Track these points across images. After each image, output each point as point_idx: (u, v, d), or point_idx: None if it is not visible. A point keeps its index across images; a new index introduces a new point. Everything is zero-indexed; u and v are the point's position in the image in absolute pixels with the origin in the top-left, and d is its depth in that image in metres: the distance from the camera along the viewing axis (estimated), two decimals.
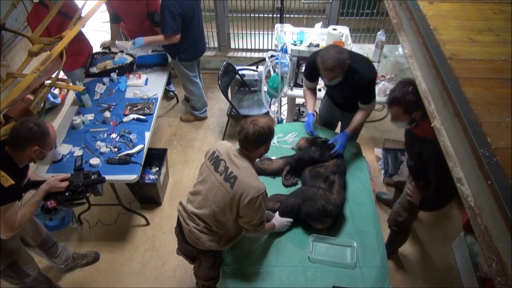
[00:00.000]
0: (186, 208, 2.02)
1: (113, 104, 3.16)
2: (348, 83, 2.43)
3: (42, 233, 2.45)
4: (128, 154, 2.72)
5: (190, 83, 3.68)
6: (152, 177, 3.21)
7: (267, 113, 3.70)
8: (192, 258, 2.21)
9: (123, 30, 3.89)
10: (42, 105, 2.69)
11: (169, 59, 3.57)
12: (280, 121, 3.62)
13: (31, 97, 2.45)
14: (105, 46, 3.77)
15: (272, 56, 3.20)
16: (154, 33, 3.60)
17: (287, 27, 3.56)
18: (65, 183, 2.12)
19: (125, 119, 3.01)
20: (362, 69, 2.39)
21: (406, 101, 1.92)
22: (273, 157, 2.62)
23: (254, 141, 1.84)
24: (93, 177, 2.21)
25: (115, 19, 3.64)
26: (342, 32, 3.35)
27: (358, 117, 2.59)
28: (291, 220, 2.22)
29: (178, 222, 2.11)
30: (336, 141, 2.55)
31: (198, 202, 1.97)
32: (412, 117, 1.96)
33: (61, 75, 3.38)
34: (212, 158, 1.96)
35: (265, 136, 1.87)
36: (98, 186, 2.23)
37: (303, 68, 3.00)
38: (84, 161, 2.67)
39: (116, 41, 3.85)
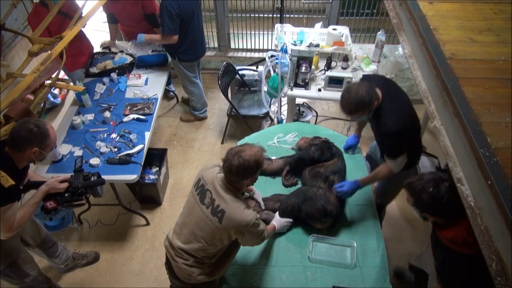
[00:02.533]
0: (172, 243, 1.92)
1: (113, 104, 3.16)
2: (376, 125, 2.11)
3: (42, 233, 2.45)
4: (128, 154, 2.72)
5: (190, 84, 3.68)
6: (152, 177, 3.21)
7: (267, 113, 3.71)
8: None
9: (120, 31, 3.89)
10: (42, 105, 2.68)
11: (169, 59, 3.57)
12: (280, 121, 3.62)
13: (31, 97, 2.45)
14: (105, 46, 3.77)
15: (272, 56, 3.20)
16: (153, 34, 3.60)
17: (287, 27, 3.56)
18: (65, 184, 2.12)
19: (125, 119, 3.01)
20: (390, 115, 2.01)
21: (419, 199, 1.64)
22: (273, 157, 2.62)
23: (237, 173, 1.71)
24: (93, 178, 2.21)
25: (112, 19, 3.64)
26: (342, 32, 3.35)
27: (378, 169, 2.22)
28: (291, 220, 2.22)
29: (167, 258, 2.03)
30: (343, 185, 2.27)
31: (185, 236, 1.88)
32: (423, 215, 1.71)
33: (61, 75, 3.38)
34: (198, 187, 1.86)
35: (250, 169, 1.72)
36: (97, 187, 2.23)
37: (303, 68, 3.00)
38: (84, 161, 2.67)
39: (116, 41, 3.85)
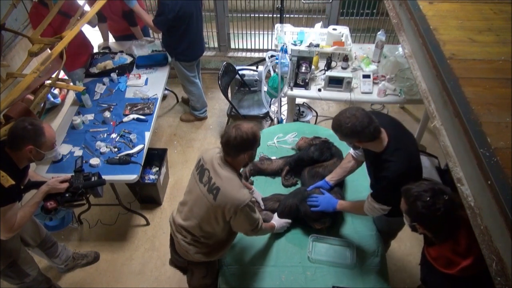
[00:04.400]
0: (174, 219, 2.00)
1: (113, 104, 3.16)
2: (376, 167, 1.92)
3: (41, 233, 2.45)
4: (128, 154, 2.72)
5: (189, 83, 3.68)
6: (152, 177, 3.21)
7: (267, 113, 3.71)
8: (184, 269, 2.19)
9: (109, 29, 3.88)
10: (42, 105, 2.68)
11: (169, 58, 3.57)
12: (280, 121, 3.62)
13: (31, 97, 2.45)
14: (103, 47, 3.78)
15: (272, 56, 3.20)
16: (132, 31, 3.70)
17: (287, 27, 3.56)
18: (65, 185, 2.12)
19: (125, 119, 3.01)
20: (396, 161, 1.81)
21: (414, 206, 1.54)
22: (273, 157, 2.62)
23: (235, 146, 1.76)
24: (93, 179, 2.21)
25: (101, 18, 3.61)
26: (342, 32, 3.35)
27: (360, 203, 2.03)
28: (289, 221, 2.22)
29: (171, 233, 2.10)
30: (318, 202, 2.16)
31: (184, 213, 1.95)
32: (413, 225, 1.63)
33: (61, 75, 3.38)
34: (198, 167, 1.92)
35: (247, 142, 1.76)
36: (98, 188, 2.23)
37: (303, 68, 3.00)
38: (84, 161, 2.67)
39: (111, 40, 3.84)
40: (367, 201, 1.97)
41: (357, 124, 1.75)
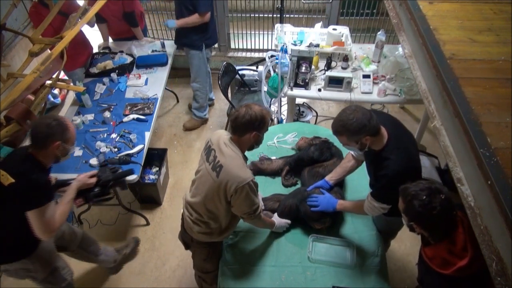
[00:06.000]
0: (186, 196, 2.08)
1: (113, 104, 3.16)
2: (376, 167, 1.90)
3: (78, 232, 2.45)
4: (128, 154, 2.72)
5: (205, 74, 3.69)
6: (152, 177, 3.21)
7: None
8: (188, 245, 2.25)
9: (108, 30, 3.87)
10: (42, 105, 2.68)
11: (169, 60, 3.56)
12: (280, 121, 3.62)
13: (31, 97, 2.45)
14: (103, 47, 3.78)
15: (272, 56, 3.20)
16: (132, 33, 3.71)
17: (287, 27, 3.56)
18: (94, 179, 2.15)
19: (125, 119, 3.01)
20: (396, 159, 1.80)
21: (411, 205, 1.55)
22: (273, 157, 2.63)
23: (243, 123, 1.81)
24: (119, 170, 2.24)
25: (100, 19, 3.61)
26: (342, 32, 3.35)
27: (360, 203, 2.03)
28: (289, 221, 2.22)
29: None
30: (317, 202, 2.15)
31: (192, 191, 2.02)
32: (411, 225, 1.62)
33: (62, 75, 3.38)
34: (206, 148, 1.99)
35: (255, 122, 1.82)
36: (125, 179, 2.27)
37: (303, 68, 3.00)
38: (84, 161, 2.68)
39: (111, 40, 3.84)
40: (367, 200, 1.96)
41: (362, 118, 1.72)
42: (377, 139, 1.82)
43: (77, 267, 2.90)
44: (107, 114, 2.96)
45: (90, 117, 3.03)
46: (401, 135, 1.90)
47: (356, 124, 1.72)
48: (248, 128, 1.84)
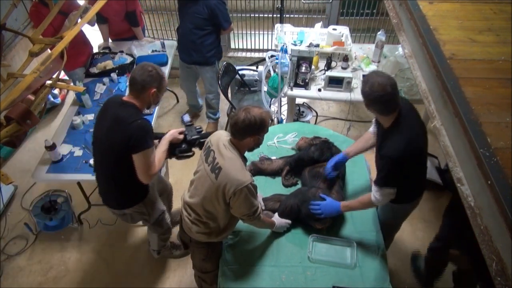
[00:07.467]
0: (184, 196, 2.09)
1: None
2: (380, 145, 1.93)
3: (168, 185, 2.82)
4: None
5: (216, 83, 3.57)
6: None
7: None
8: (187, 245, 2.26)
9: (108, 31, 3.87)
10: (43, 105, 2.68)
11: (169, 61, 3.56)
12: (280, 121, 3.62)
13: (31, 97, 2.44)
14: (103, 47, 3.77)
15: (272, 56, 3.20)
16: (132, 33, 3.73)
17: (287, 27, 3.56)
18: (182, 136, 2.29)
19: None
20: (398, 140, 1.82)
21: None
22: (273, 157, 2.62)
23: (242, 128, 1.80)
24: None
25: (101, 19, 3.61)
26: (342, 32, 3.35)
27: (363, 197, 2.07)
28: (289, 222, 2.22)
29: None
30: (320, 208, 2.13)
31: (191, 191, 2.03)
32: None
33: (62, 75, 3.38)
34: (205, 148, 2.00)
35: (254, 126, 1.80)
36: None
37: (303, 68, 3.00)
38: (84, 161, 2.68)
39: (110, 41, 3.84)
40: (372, 193, 1.99)
41: (390, 77, 1.82)
42: (391, 116, 1.88)
43: (77, 267, 2.91)
44: None
45: (90, 117, 3.03)
46: (411, 118, 1.93)
47: (394, 82, 1.80)
48: (247, 133, 1.84)
